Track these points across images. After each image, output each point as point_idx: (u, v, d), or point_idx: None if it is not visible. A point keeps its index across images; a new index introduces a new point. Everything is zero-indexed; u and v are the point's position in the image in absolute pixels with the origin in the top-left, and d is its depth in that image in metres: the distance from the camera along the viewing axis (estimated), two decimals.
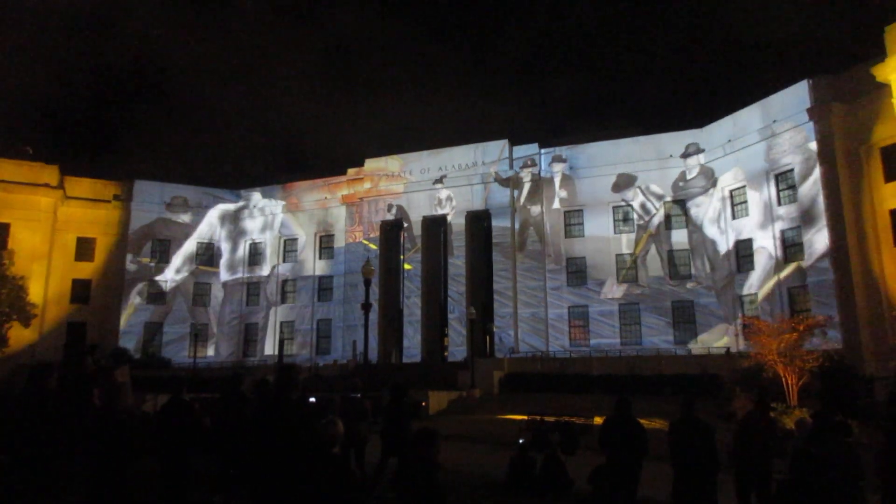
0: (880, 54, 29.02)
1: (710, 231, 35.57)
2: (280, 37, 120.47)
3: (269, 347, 45.25)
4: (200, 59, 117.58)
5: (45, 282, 42.34)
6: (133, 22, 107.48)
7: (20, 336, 38.49)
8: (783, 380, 24.05)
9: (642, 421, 10.19)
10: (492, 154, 42.53)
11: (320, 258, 46.95)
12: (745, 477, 8.32)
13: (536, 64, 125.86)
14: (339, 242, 46.15)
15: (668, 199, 37.26)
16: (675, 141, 38.11)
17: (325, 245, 47.14)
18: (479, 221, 43.43)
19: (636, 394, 26.18)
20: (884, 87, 28.99)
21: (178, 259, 46.36)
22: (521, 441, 13.93)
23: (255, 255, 48.68)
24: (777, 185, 32.94)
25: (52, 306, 42.65)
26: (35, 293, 39.98)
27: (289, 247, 48.12)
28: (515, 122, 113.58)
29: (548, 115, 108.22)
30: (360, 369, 31.54)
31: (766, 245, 32.91)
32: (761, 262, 33.04)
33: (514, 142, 43.01)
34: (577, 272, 39.38)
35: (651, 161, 38.14)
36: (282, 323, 46.51)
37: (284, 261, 47.82)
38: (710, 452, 8.69)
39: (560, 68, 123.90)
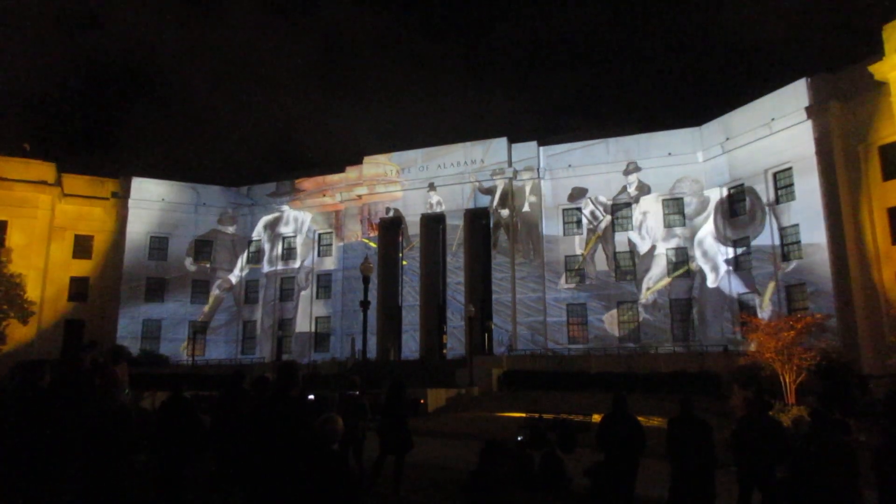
0: (879, 52, 28.99)
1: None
2: (274, 33, 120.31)
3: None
4: (196, 55, 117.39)
5: (43, 279, 42.21)
6: (128, 18, 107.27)
7: (18, 334, 38.44)
8: (780, 377, 24.10)
9: (641, 419, 10.23)
10: (490, 153, 42.54)
11: (319, 255, 46.95)
12: (747, 475, 8.34)
13: (534, 61, 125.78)
14: (339, 240, 46.13)
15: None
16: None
17: (325, 243, 47.13)
18: (477, 219, 43.42)
19: (635, 391, 26.33)
20: (882, 86, 28.96)
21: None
22: (519, 438, 13.92)
23: (256, 252, 48.87)
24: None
25: (49, 304, 42.52)
26: (32, 291, 39.84)
27: (287, 244, 48.11)
28: (514, 119, 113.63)
29: (547, 113, 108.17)
30: (359, 367, 31.56)
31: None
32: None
33: (513, 139, 43.02)
34: (572, 271, 40.24)
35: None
36: (281, 320, 46.58)
37: (282, 258, 47.83)
38: (709, 450, 8.71)
39: (558, 66, 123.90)
